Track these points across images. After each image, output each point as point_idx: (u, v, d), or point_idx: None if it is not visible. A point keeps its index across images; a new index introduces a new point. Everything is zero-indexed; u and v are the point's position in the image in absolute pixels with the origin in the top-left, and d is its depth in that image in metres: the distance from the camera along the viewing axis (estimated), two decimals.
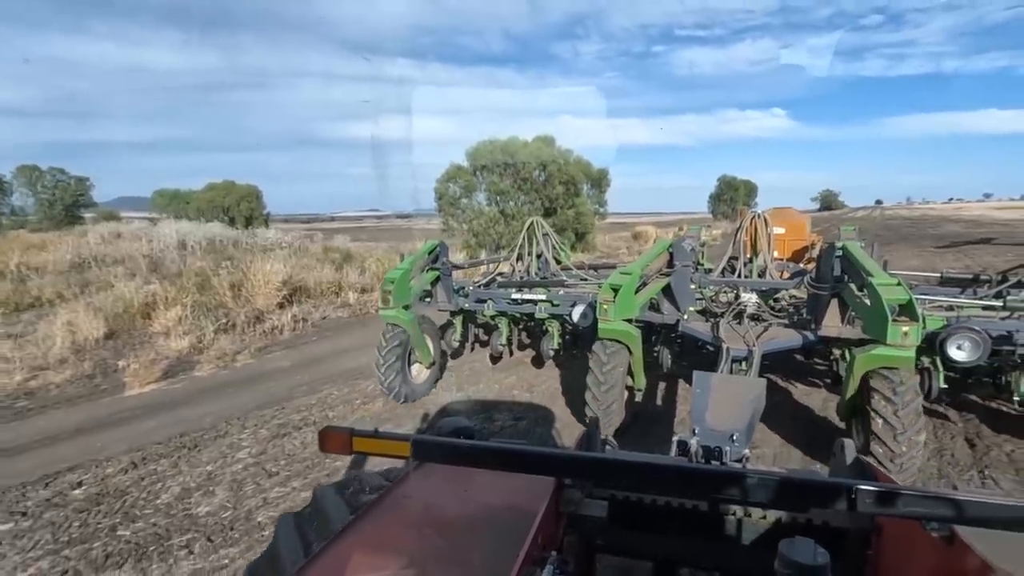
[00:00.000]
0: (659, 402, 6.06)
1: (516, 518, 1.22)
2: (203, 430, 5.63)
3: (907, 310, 3.82)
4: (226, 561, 3.52)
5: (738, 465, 1.73)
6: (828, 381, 6.25)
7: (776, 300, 5.94)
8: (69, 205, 39.52)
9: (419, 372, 6.42)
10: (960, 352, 4.28)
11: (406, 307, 5.95)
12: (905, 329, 3.75)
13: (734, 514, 1.40)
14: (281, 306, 11.02)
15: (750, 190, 59.50)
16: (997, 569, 0.94)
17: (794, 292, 5.90)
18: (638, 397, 5.49)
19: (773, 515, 1.38)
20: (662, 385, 6.40)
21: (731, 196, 56.29)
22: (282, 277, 11.52)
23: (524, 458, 1.07)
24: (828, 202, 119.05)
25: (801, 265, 7.17)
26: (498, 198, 20.14)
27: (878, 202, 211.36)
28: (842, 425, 4.70)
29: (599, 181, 23.19)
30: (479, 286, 6.85)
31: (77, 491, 4.47)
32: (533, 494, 1.30)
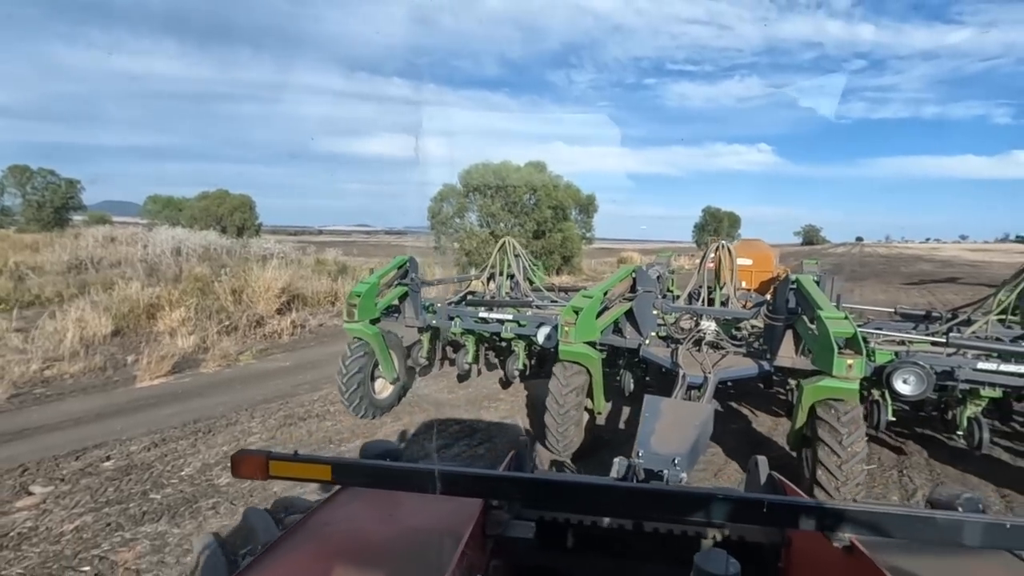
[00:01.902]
0: (622, 426, 6.16)
1: (441, 542, 1.18)
2: (215, 418, 6.17)
3: (852, 343, 3.92)
4: None
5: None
6: (786, 410, 6.44)
7: (738, 329, 6.13)
8: (58, 207, 39.49)
9: (383, 387, 6.42)
10: (905, 386, 4.44)
11: (373, 321, 5.93)
12: (850, 362, 3.85)
13: (658, 532, 1.43)
14: (280, 312, 11.58)
15: (733, 221, 61.21)
16: (888, 574, 1.01)
17: (754, 322, 6.06)
18: (599, 420, 5.56)
19: (694, 532, 1.43)
20: (626, 409, 6.47)
21: (715, 227, 57.83)
22: (281, 285, 12.08)
23: (449, 480, 1.05)
24: (811, 237, 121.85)
25: (766, 296, 7.71)
26: (489, 219, 20.93)
27: (858, 239, 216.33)
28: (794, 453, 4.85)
29: (587, 207, 24.13)
30: (450, 303, 6.92)
31: (107, 463, 5.00)
32: (459, 517, 1.26)
